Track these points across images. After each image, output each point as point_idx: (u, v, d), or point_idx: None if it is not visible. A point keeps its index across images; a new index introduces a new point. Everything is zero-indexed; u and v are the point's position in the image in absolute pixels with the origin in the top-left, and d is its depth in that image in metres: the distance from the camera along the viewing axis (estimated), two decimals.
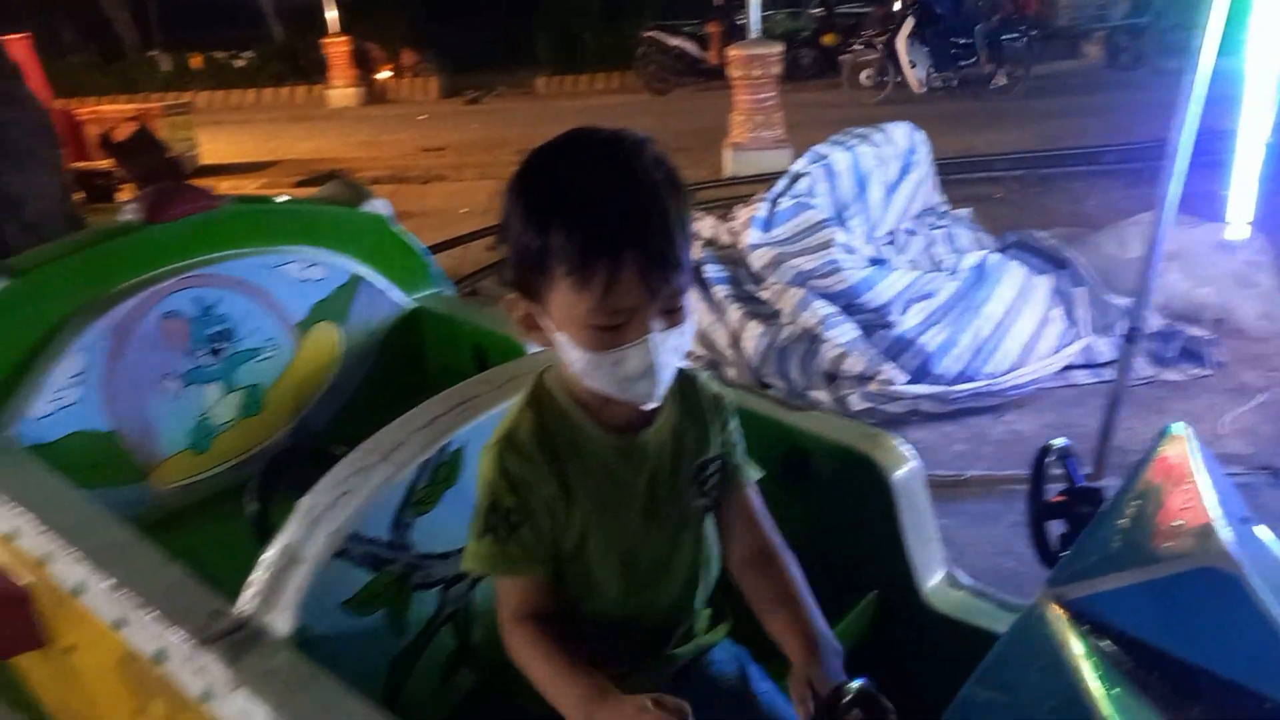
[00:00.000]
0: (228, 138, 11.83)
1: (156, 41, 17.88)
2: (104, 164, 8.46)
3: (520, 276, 1.07)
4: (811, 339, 3.59)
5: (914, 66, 11.88)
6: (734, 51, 7.82)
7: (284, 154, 11.01)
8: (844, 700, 0.89)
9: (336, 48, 15.53)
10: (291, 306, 1.94)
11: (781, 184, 4.14)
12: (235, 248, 1.85)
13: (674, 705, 0.98)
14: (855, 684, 0.91)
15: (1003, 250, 4.37)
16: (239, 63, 17.34)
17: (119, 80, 16.53)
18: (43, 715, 1.70)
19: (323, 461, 1.27)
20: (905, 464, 1.51)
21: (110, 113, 9.41)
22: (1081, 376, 3.76)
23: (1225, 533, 0.98)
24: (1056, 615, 0.90)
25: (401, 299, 2.13)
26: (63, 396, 1.64)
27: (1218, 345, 3.80)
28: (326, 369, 2.03)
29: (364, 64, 16.11)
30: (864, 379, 3.47)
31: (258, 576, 1.15)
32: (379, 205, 2.11)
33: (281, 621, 1.12)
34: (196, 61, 17.16)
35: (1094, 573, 0.96)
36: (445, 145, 11.12)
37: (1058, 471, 1.31)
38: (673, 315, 1.05)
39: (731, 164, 7.94)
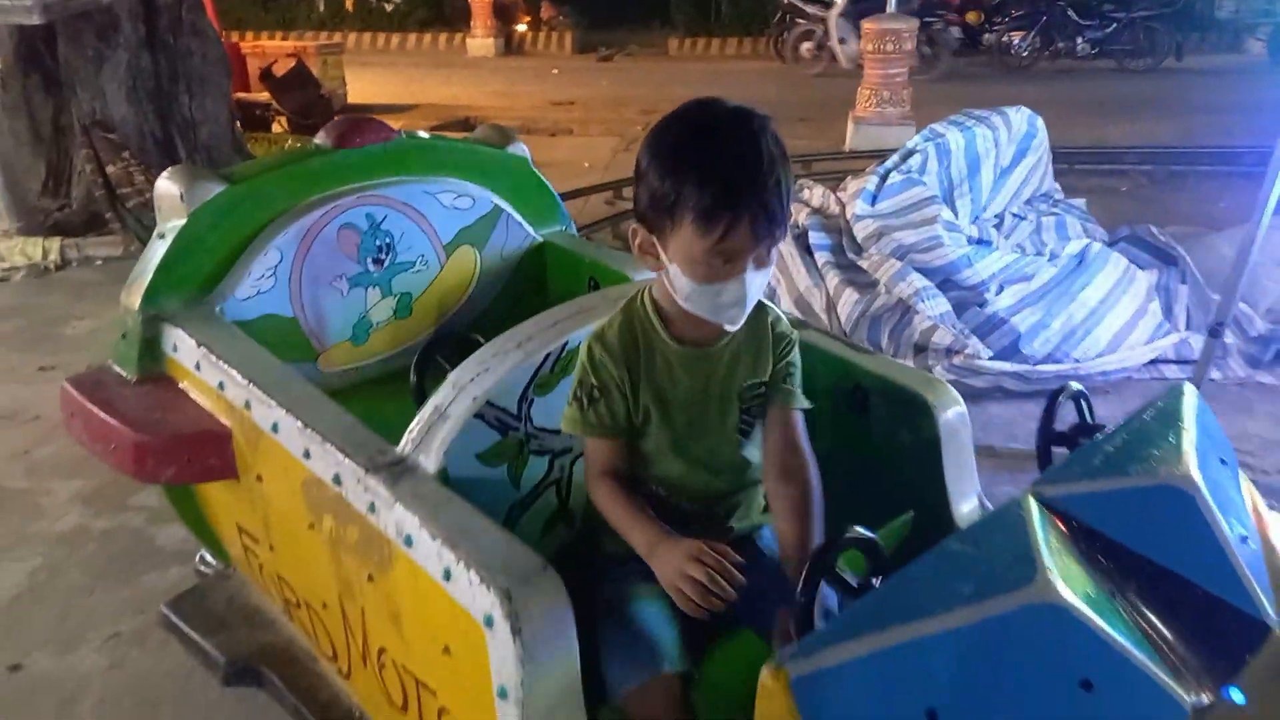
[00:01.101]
0: (373, 78, 12.44)
1: None
2: (262, 96, 9.12)
3: (649, 213, 1.35)
4: (904, 310, 3.77)
5: (843, 43, 11.84)
6: (869, 25, 7.85)
7: (424, 98, 11.54)
8: (846, 536, 1.14)
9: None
10: (442, 229, 2.28)
11: (894, 159, 4.29)
12: (403, 175, 2.20)
13: (722, 549, 1.27)
14: (859, 529, 1.17)
15: (1113, 243, 4.41)
16: (388, 6, 18.06)
17: (277, 17, 17.49)
18: (217, 539, 2.11)
19: (468, 346, 1.60)
20: (954, 406, 1.73)
21: (270, 48, 10.11)
22: (1171, 371, 3.82)
23: (1193, 462, 1.20)
24: (1031, 504, 1.14)
25: (532, 232, 2.44)
26: (260, 284, 2.02)
27: None
28: (465, 285, 2.36)
29: (504, 15, 16.57)
30: (950, 352, 3.63)
31: (415, 426, 1.48)
32: (521, 148, 2.42)
33: (430, 462, 1.45)
34: (350, 3, 17.95)
35: (1072, 479, 1.19)
36: (574, 100, 11.46)
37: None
38: (765, 259, 1.33)
39: (853, 137, 8.01)
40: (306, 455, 1.56)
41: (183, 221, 1.93)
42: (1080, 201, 5.15)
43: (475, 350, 1.57)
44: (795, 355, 1.52)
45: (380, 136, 2.16)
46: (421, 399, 1.63)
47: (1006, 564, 1.04)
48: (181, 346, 1.87)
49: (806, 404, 1.52)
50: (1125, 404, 3.63)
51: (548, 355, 1.56)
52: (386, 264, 2.21)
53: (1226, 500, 1.21)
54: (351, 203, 2.11)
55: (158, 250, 1.94)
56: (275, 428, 1.63)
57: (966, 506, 1.75)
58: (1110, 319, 3.80)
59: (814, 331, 1.87)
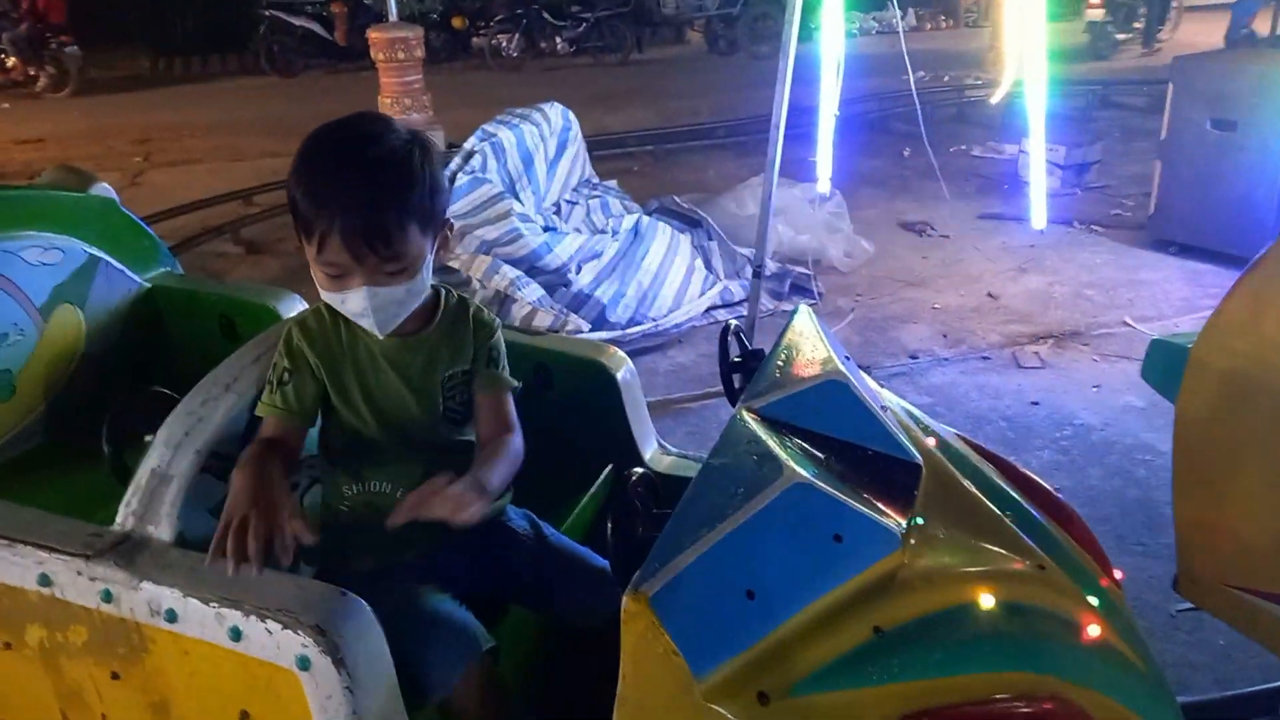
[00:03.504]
0: None
1: None
2: None
3: (295, 222, 1.37)
4: (503, 300, 4.01)
5: None
6: (375, 35, 7.88)
7: None
8: (633, 480, 1.33)
9: None
10: (33, 290, 1.98)
11: (456, 161, 4.48)
12: None
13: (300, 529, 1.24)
14: (639, 471, 1.35)
15: (649, 214, 5.07)
16: None
17: None
18: None
19: (156, 401, 1.48)
20: (625, 365, 1.98)
21: None
22: (722, 315, 4.55)
23: (839, 362, 1.55)
24: (748, 417, 1.41)
25: (137, 278, 2.21)
26: None
27: (817, 280, 4.77)
28: (73, 350, 2.08)
29: None
30: (553, 331, 3.95)
31: (131, 498, 1.34)
32: (105, 189, 2.18)
33: (163, 530, 1.33)
34: None
35: (766, 393, 1.48)
36: (43, 136, 9.93)
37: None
38: (391, 277, 1.36)
39: None
40: None
41: None
42: (613, 183, 5.81)
43: (168, 408, 1.45)
44: (497, 340, 1.59)
45: None
46: (122, 470, 1.46)
47: (758, 465, 1.29)
48: None
49: (515, 384, 1.60)
50: (697, 349, 4.26)
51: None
52: None
53: (862, 383, 1.60)
54: None
55: None
56: None
57: (650, 450, 2.02)
58: (670, 279, 4.40)
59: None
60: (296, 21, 13.36)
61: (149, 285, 2.24)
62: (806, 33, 3.38)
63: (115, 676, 1.32)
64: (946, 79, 10.60)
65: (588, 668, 1.64)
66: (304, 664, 1.20)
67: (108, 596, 1.28)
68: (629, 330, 4.08)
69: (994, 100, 6.65)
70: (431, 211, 1.40)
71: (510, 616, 1.61)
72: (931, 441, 1.55)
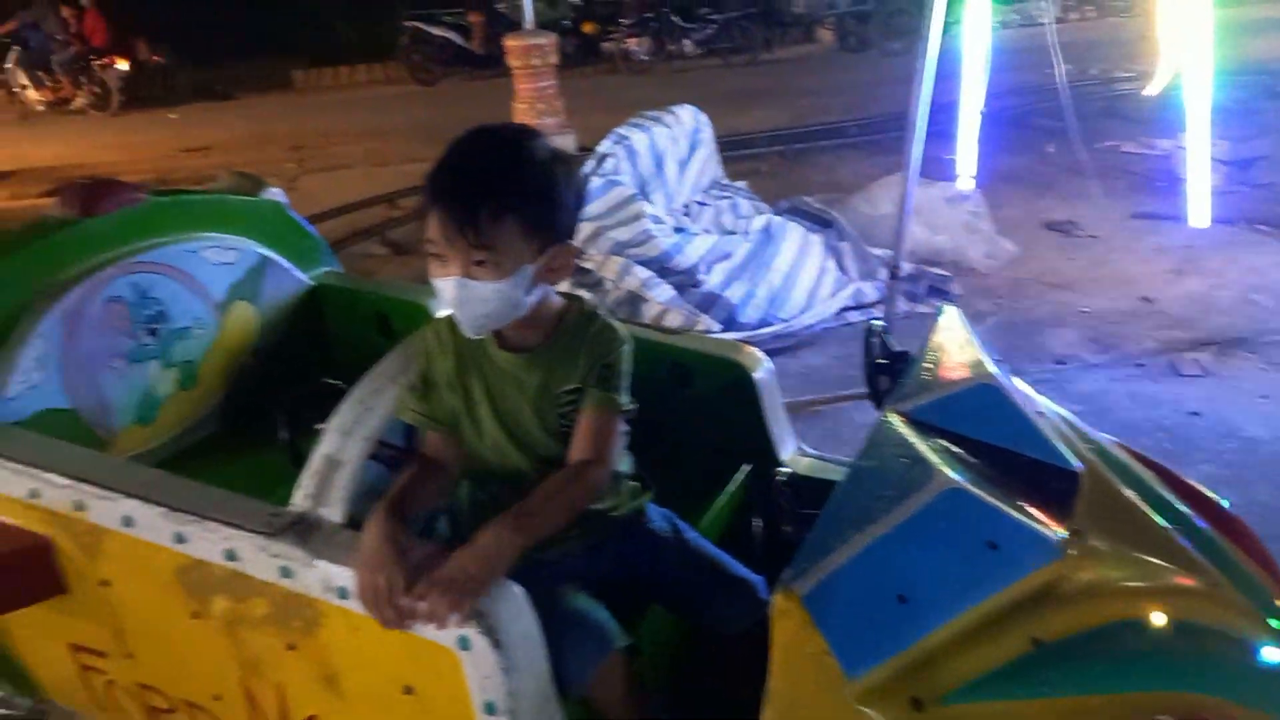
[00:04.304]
0: None
1: None
2: None
3: None
4: (634, 300, 4.06)
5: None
6: (511, 42, 8.12)
7: (19, 163, 10.09)
8: (779, 480, 1.33)
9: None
10: (213, 287, 2.14)
11: (590, 164, 4.57)
12: (160, 236, 2.04)
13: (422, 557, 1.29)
14: (786, 470, 1.36)
15: (779, 215, 5.04)
16: None
17: None
18: (23, 672, 1.86)
19: (327, 391, 1.57)
20: (763, 364, 1.99)
21: None
22: (854, 317, 4.46)
23: (990, 365, 1.52)
24: (897, 419, 1.39)
25: (303, 277, 2.36)
26: (29, 379, 1.79)
27: (955, 281, 4.64)
28: (246, 343, 2.24)
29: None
30: (673, 333, 3.98)
31: (305, 481, 1.44)
32: (275, 193, 2.33)
33: (334, 512, 1.42)
34: None
35: (914, 396, 1.47)
36: (209, 145, 10.65)
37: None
38: (480, 268, 1.35)
39: None
40: (180, 540, 1.45)
41: None
42: (742, 184, 5.80)
43: (338, 398, 1.54)
44: (616, 358, 1.51)
45: (128, 199, 1.99)
46: (296, 455, 1.57)
47: (908, 469, 1.27)
48: None
49: (624, 407, 1.51)
50: (829, 351, 4.20)
51: None
52: (162, 333, 2.04)
53: (1013, 387, 1.55)
54: (113, 273, 1.94)
55: None
56: (128, 521, 1.48)
57: (787, 452, 2.01)
58: (801, 280, 4.36)
59: (632, 326, 2.03)
60: (436, 31, 13.88)
61: (313, 283, 2.38)
62: (945, 27, 3.29)
63: (291, 648, 1.42)
64: (1094, 72, 10.10)
65: (727, 668, 1.66)
66: (464, 644, 1.25)
67: (286, 572, 1.37)
68: (759, 331, 4.07)
69: (1149, 92, 6.30)
70: (541, 220, 1.39)
71: (650, 616, 1.63)
72: (1091, 449, 1.49)
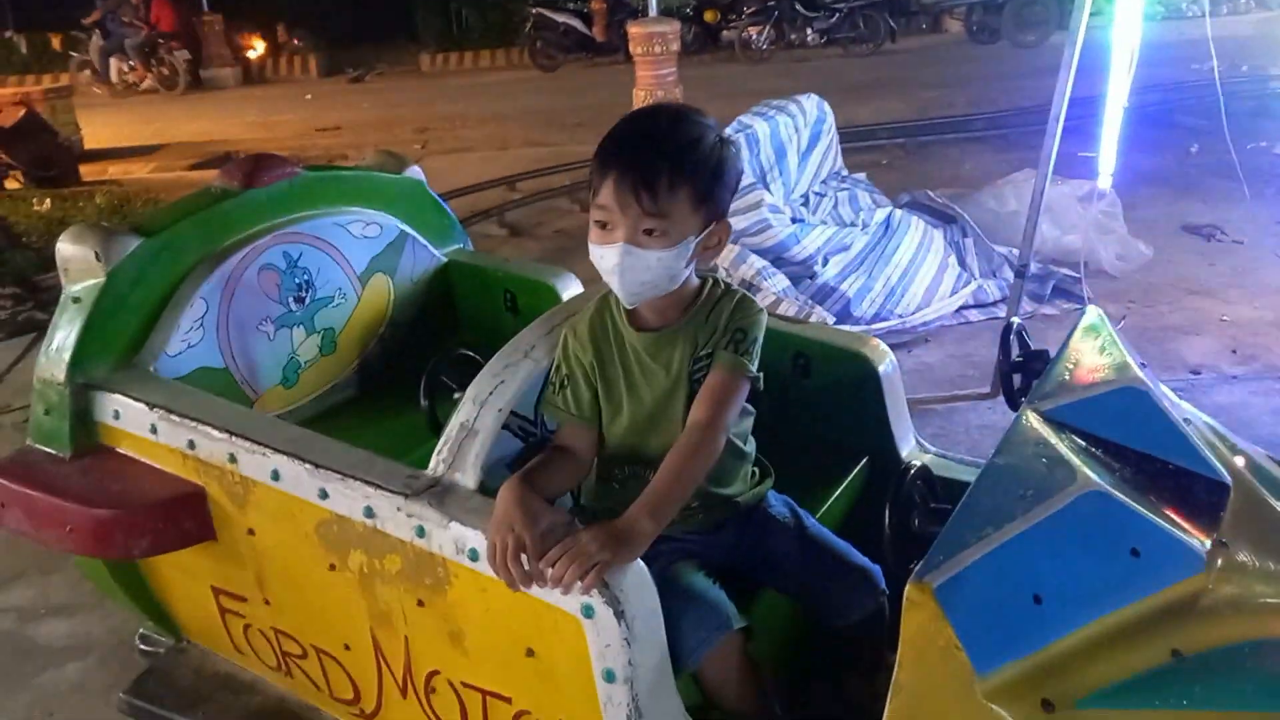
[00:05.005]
0: (105, 120, 11.38)
1: (7, 22, 16.87)
2: None
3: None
4: (748, 288, 4.05)
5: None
6: (635, 29, 8.15)
7: (169, 136, 10.74)
8: (912, 472, 1.32)
9: (210, 26, 15.08)
10: (355, 260, 2.25)
11: None
12: (312, 209, 2.15)
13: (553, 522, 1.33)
14: (918, 463, 1.34)
15: (899, 208, 4.93)
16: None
17: None
18: (168, 612, 2.00)
19: (463, 362, 1.64)
20: (887, 358, 1.96)
21: None
22: (974, 315, 4.35)
23: (1136, 367, 1.46)
24: (1035, 418, 1.36)
25: (437, 253, 2.45)
26: (190, 337, 1.91)
27: (1084, 283, 4.45)
28: (383, 314, 2.34)
29: (234, 43, 15.67)
30: (796, 323, 3.95)
31: (442, 446, 1.50)
32: (417, 171, 2.42)
33: (468, 478, 1.47)
34: (57, 42, 16.27)
35: (1054, 396, 1.43)
36: (340, 124, 11.07)
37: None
38: (649, 236, 1.40)
39: None
40: (323, 496, 1.53)
41: (100, 281, 1.80)
42: (862, 175, 5.70)
43: (474, 368, 1.60)
44: (751, 323, 1.53)
45: (285, 173, 2.11)
46: (434, 421, 1.64)
47: (1047, 468, 1.24)
48: (126, 413, 1.75)
49: (752, 372, 1.51)
50: (945, 349, 4.10)
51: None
52: (308, 301, 2.16)
53: (1160, 392, 1.49)
54: (269, 242, 2.05)
55: (74, 315, 1.80)
56: (275, 475, 1.58)
57: (907, 448, 1.98)
58: (920, 275, 4.27)
59: None
60: (559, 18, 14.05)
61: (446, 260, 2.47)
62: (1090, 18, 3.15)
63: (420, 604, 1.49)
64: (1246, 69, 9.50)
65: (840, 657, 1.65)
66: (588, 612, 1.29)
67: (420, 532, 1.44)
68: (874, 325, 4.00)
69: None
70: (709, 193, 1.43)
71: (766, 599, 1.64)
72: (1240, 460, 1.43)
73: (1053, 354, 1.57)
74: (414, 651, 1.55)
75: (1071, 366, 1.50)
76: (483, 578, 1.38)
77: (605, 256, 1.43)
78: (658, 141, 1.41)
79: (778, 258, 4.19)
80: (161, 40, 14.14)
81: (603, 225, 1.42)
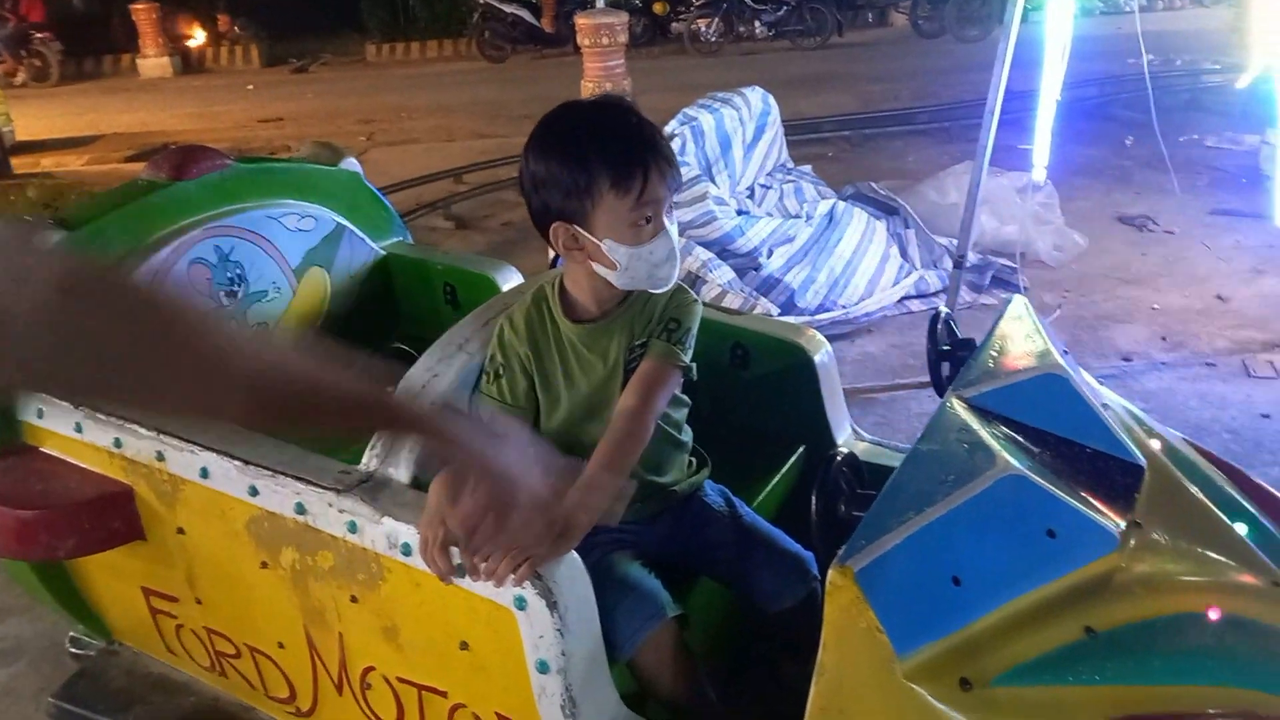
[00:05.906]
0: (38, 112, 11.05)
1: None
2: None
3: (565, 206, 1.45)
4: (693, 281, 4.06)
5: None
6: (583, 20, 8.14)
7: (105, 128, 10.45)
8: (838, 459, 1.34)
9: (145, 15, 14.68)
10: (290, 253, 2.21)
11: None
12: (243, 202, 2.11)
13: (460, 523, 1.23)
14: (845, 450, 1.37)
15: (844, 200, 4.98)
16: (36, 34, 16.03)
17: None
18: (97, 614, 1.95)
19: (397, 357, 1.63)
20: (823, 348, 1.99)
21: None
22: (916, 305, 4.42)
23: (1057, 355, 1.50)
24: (959, 405, 1.39)
25: (375, 246, 2.42)
26: None
27: (1021, 273, 4.55)
28: (319, 309, 2.31)
29: (171, 31, 15.28)
30: (735, 314, 3.98)
31: (376, 441, 1.49)
32: (352, 164, 2.39)
33: (402, 472, 1.47)
34: None
35: (978, 383, 1.46)
36: (283, 116, 10.87)
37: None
38: (669, 213, 1.47)
39: None
40: (253, 492, 1.51)
41: None
42: (807, 168, 5.75)
43: (410, 364, 1.59)
44: (685, 314, 1.56)
45: (216, 164, 2.07)
46: None
47: (969, 453, 1.27)
48: (50, 411, 1.71)
49: (682, 360, 1.53)
50: (887, 339, 4.17)
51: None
52: (240, 295, 2.12)
53: (1080, 379, 1.54)
54: (199, 236, 2.01)
55: None
56: (205, 472, 1.55)
57: (843, 436, 2.02)
58: (863, 267, 4.32)
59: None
60: (507, 9, 13.92)
61: (384, 253, 2.44)
62: (1024, 14, 3.22)
63: (354, 600, 1.48)
64: (1179, 62, 9.76)
65: (774, 642, 1.68)
66: (520, 604, 1.29)
67: (353, 528, 1.43)
68: (818, 316, 4.05)
69: (1240, 85, 6.08)
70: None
71: (701, 588, 1.66)
72: (1156, 444, 1.47)
73: (979, 342, 1.61)
74: (349, 648, 1.54)
75: (995, 354, 1.53)
76: (416, 572, 1.38)
77: (660, 247, 1.44)
78: (645, 126, 1.46)
79: (723, 250, 4.21)
80: (33, 31, 13.68)
81: (648, 220, 1.43)
